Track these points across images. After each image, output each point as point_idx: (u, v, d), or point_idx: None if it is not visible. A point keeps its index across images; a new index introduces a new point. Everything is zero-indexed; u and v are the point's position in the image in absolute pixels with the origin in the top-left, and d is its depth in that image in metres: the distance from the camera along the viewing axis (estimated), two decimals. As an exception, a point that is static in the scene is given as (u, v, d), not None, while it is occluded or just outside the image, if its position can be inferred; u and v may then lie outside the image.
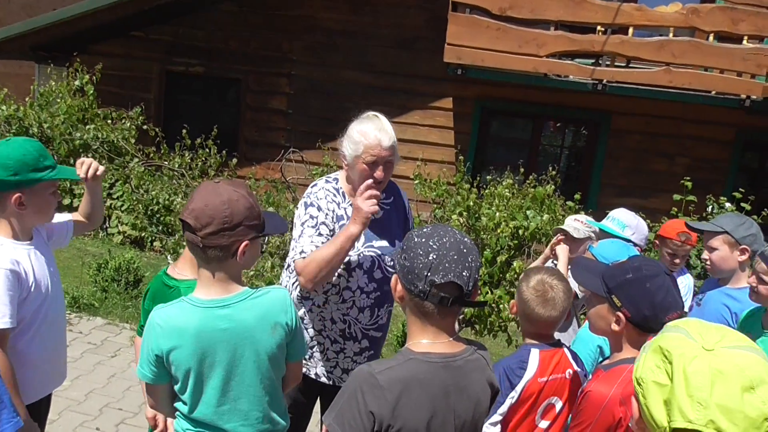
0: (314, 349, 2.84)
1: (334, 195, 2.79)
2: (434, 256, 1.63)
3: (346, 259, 2.66)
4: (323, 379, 2.87)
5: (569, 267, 2.71)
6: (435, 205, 6.99)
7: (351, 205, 2.73)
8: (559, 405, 2.34)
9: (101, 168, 2.52)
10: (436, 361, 1.68)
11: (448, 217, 6.33)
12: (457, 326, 6.10)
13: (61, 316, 2.54)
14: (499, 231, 5.74)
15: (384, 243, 2.80)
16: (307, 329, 2.83)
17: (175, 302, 1.98)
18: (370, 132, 2.66)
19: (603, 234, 3.30)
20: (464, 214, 6.10)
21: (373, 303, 2.81)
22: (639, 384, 1.18)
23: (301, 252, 2.63)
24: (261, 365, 2.00)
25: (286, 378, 2.14)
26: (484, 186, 7.09)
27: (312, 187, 2.83)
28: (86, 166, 2.47)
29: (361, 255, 2.74)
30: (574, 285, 2.97)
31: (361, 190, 2.55)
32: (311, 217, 2.71)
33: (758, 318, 2.63)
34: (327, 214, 2.72)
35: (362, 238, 2.72)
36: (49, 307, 2.39)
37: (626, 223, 3.29)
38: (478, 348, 1.80)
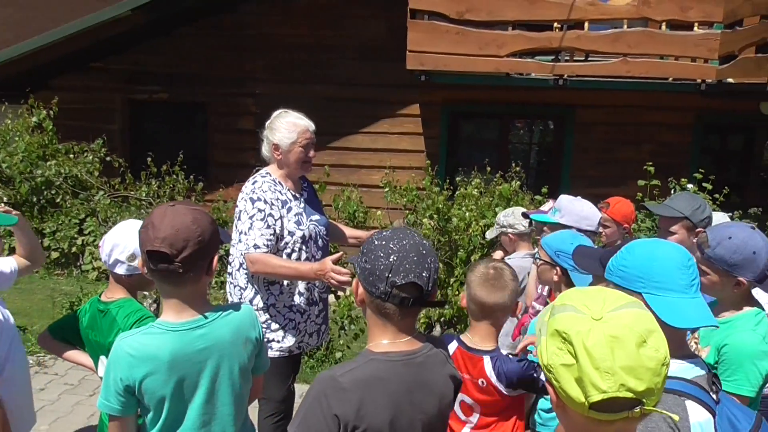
0: (287, 327, 3.22)
1: (275, 185, 3.20)
2: (395, 258, 1.66)
3: (301, 233, 3.17)
4: (296, 352, 3.31)
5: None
6: (407, 212, 7.04)
7: (289, 190, 3.23)
8: (469, 401, 2.39)
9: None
10: (396, 359, 1.71)
11: (420, 221, 6.38)
12: (438, 328, 6.12)
13: (24, 358, 2.51)
14: (470, 231, 5.80)
15: (318, 216, 3.35)
16: (279, 313, 3.19)
17: (143, 329, 1.94)
18: (298, 121, 3.22)
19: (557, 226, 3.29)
20: (434, 216, 6.15)
21: None
22: (549, 371, 1.23)
23: (255, 246, 3.04)
24: (235, 382, 2.00)
25: (250, 392, 2.14)
26: (456, 188, 7.16)
27: (252, 183, 3.20)
28: None
29: (309, 228, 3.24)
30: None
31: (343, 273, 2.91)
32: (259, 210, 3.08)
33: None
34: (273, 205, 3.12)
35: (305, 215, 3.25)
36: (14, 348, 2.37)
37: (557, 207, 3.30)
38: (436, 344, 1.84)
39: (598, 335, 1.17)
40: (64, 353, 2.62)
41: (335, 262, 2.94)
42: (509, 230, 3.89)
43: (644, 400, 1.16)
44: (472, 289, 2.37)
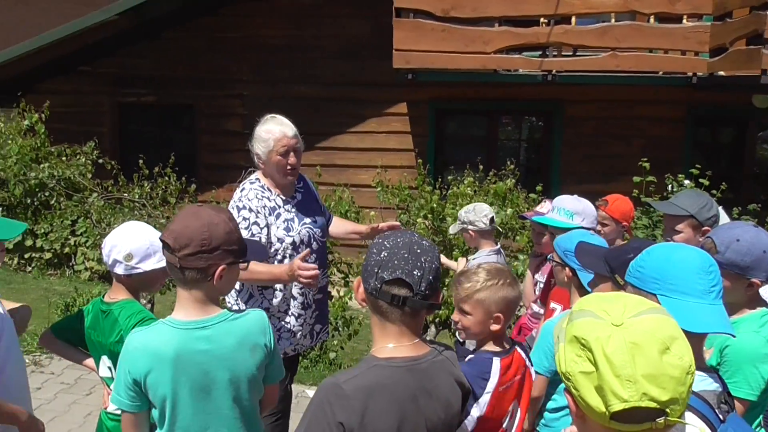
0: (282, 330, 3.22)
1: (262, 191, 3.19)
2: (385, 254, 1.68)
3: (290, 240, 3.15)
4: (291, 354, 3.31)
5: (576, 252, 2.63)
6: (399, 211, 6.99)
7: (279, 196, 3.21)
8: (516, 407, 2.30)
9: None
10: (400, 365, 1.67)
11: (413, 221, 6.33)
12: (434, 329, 6.03)
13: (22, 359, 2.50)
14: (465, 230, 5.76)
15: (311, 219, 3.30)
16: (274, 316, 3.18)
17: (153, 325, 2.00)
18: (274, 128, 3.18)
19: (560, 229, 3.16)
20: (429, 216, 6.11)
21: None
22: (568, 379, 1.18)
23: None
24: (239, 388, 1.98)
25: (263, 401, 2.12)
26: (447, 187, 7.12)
27: (240, 191, 3.19)
28: None
29: (301, 233, 3.21)
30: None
31: (308, 268, 2.87)
32: (244, 219, 3.08)
33: None
34: (259, 212, 3.11)
35: (296, 220, 3.22)
36: (13, 348, 2.35)
37: (573, 210, 3.20)
38: (443, 349, 1.80)
39: (618, 342, 1.13)
40: (72, 357, 2.68)
41: (303, 260, 2.93)
42: (470, 227, 3.84)
43: (668, 410, 1.11)
44: (510, 293, 2.18)
